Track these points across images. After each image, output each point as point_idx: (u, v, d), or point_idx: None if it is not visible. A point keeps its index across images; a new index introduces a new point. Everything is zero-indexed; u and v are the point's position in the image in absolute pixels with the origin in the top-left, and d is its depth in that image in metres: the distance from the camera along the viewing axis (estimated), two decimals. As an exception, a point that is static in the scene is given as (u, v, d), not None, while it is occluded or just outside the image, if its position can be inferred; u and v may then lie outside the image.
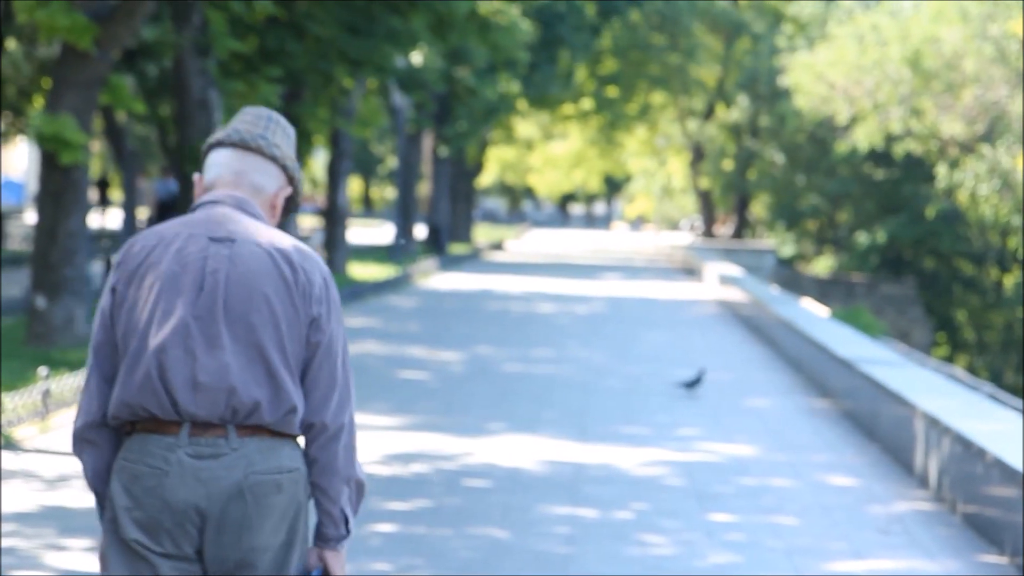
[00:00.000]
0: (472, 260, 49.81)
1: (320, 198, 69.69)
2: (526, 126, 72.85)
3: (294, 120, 24.38)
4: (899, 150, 43.59)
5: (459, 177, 58.04)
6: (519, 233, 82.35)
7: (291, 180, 4.29)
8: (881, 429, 13.34)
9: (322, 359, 4.10)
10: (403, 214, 43.83)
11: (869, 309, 46.79)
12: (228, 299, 4.05)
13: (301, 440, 4.14)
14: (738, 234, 66.34)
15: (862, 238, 56.96)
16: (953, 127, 40.55)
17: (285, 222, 7.84)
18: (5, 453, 11.32)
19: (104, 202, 36.51)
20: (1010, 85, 38.55)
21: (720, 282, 33.96)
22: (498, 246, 61.69)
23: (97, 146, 50.02)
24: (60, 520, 9.22)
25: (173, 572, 4.02)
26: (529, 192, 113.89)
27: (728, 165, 64.50)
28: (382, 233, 61.88)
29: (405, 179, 45.14)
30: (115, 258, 4.20)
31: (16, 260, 24.48)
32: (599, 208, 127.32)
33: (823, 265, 59.75)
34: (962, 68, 39.46)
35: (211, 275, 4.05)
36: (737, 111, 63.39)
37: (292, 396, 4.04)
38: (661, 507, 10.31)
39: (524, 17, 40.25)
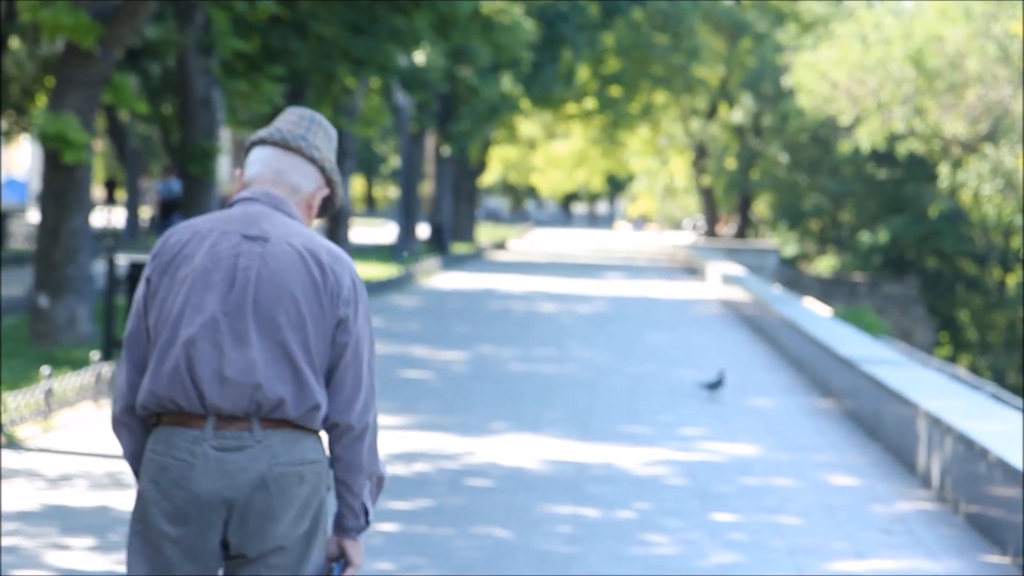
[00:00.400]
0: (475, 259, 49.80)
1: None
2: (529, 125, 72.80)
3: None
4: (902, 150, 43.56)
5: (462, 176, 58.03)
6: (522, 232, 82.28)
7: (329, 182, 4.35)
8: (884, 429, 13.34)
9: (349, 360, 4.17)
10: (406, 213, 43.83)
11: (872, 309, 46.84)
12: (257, 296, 4.12)
13: (322, 434, 4.22)
14: (741, 234, 66.34)
15: (865, 238, 56.93)
16: (956, 127, 40.52)
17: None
18: (7, 452, 11.32)
19: (111, 201, 36.63)
20: (1013, 85, 38.52)
21: (723, 282, 33.96)
22: (501, 245, 61.64)
23: (100, 145, 50.04)
24: (62, 519, 9.22)
25: (194, 564, 4.09)
26: (532, 191, 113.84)
27: (731, 164, 64.51)
28: (385, 232, 61.88)
29: (408, 178, 45.12)
30: (152, 250, 4.29)
31: (19, 259, 24.50)
32: (602, 208, 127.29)
33: (826, 265, 59.72)
34: (965, 67, 39.43)
35: (242, 272, 4.13)
36: (740, 111, 63.37)
37: (316, 394, 4.12)
38: (664, 507, 10.31)
39: (527, 16, 40.26)
